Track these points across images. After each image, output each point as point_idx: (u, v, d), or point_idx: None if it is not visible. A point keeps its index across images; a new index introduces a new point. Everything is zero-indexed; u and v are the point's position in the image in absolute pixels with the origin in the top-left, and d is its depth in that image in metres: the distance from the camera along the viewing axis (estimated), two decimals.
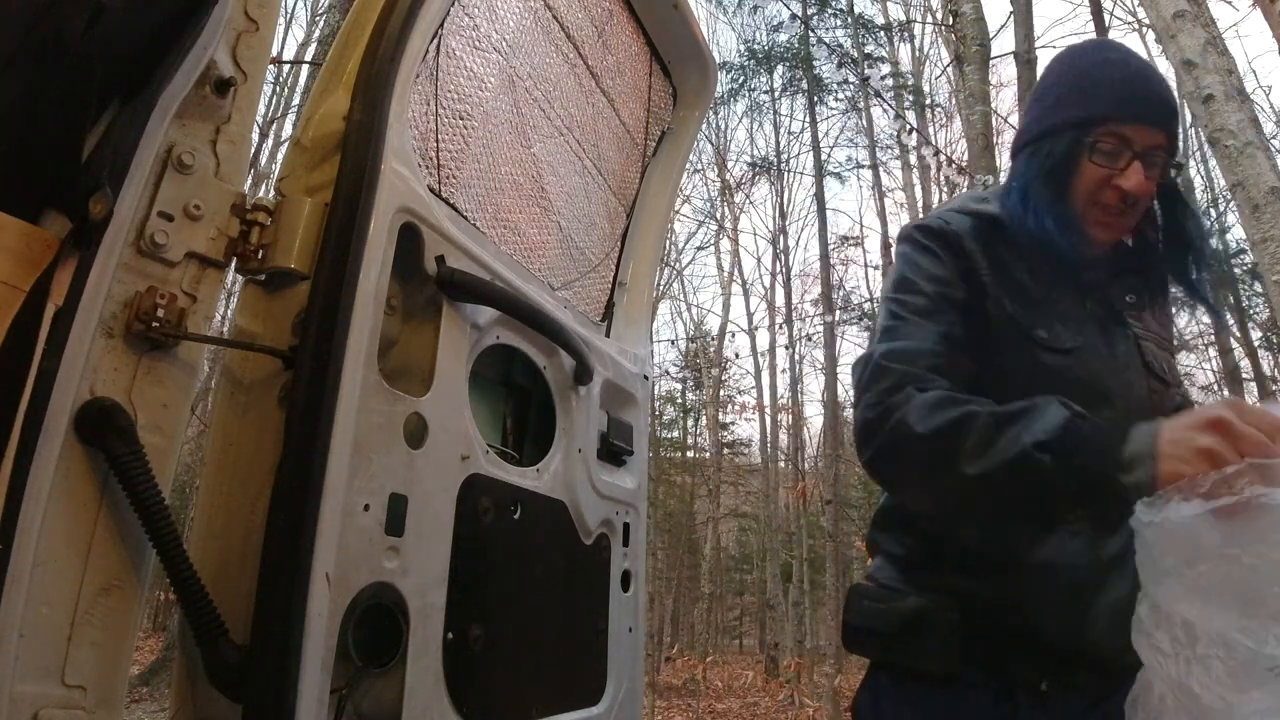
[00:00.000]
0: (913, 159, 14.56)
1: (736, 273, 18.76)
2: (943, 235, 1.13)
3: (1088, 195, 1.11)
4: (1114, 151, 1.09)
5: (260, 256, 0.96)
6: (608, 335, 1.75)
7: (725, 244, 19.01)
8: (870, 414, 0.99)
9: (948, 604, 1.06)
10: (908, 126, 11.94)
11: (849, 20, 13.98)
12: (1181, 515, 0.81)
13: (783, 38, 15.31)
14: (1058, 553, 1.03)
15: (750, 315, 18.45)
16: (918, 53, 16.13)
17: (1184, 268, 1.20)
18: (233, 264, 0.95)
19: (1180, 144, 1.15)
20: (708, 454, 18.20)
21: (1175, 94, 1.14)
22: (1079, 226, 1.12)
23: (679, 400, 18.80)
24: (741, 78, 15.60)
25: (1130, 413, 1.09)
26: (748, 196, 20.61)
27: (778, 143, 16.75)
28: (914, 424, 0.93)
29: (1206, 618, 0.81)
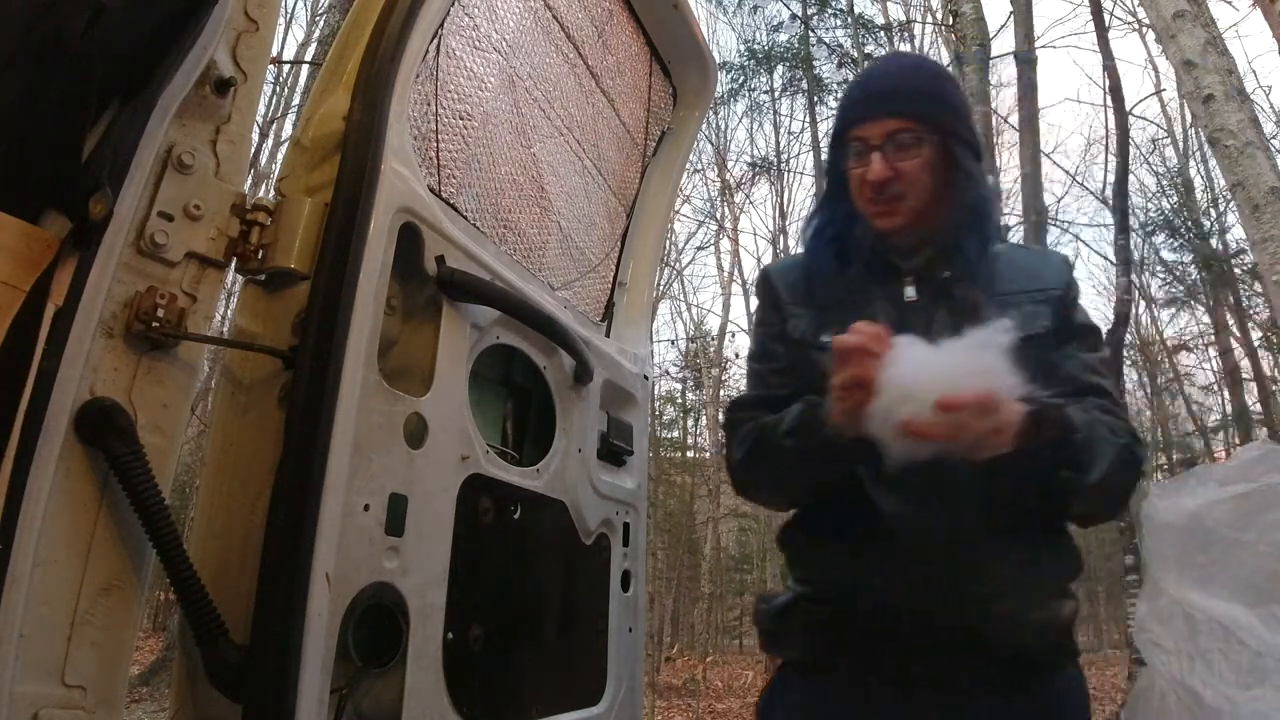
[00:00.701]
0: None
1: (736, 273, 18.76)
2: (760, 283, 1.34)
3: (856, 195, 1.23)
4: (859, 151, 1.20)
5: (260, 256, 0.96)
6: (608, 335, 1.75)
7: (725, 244, 19.00)
8: (724, 454, 1.26)
9: (805, 597, 1.18)
10: None
11: (849, 20, 13.97)
12: (1196, 501, 0.82)
13: (783, 38, 15.29)
14: (886, 548, 1.08)
15: (750, 315, 18.45)
16: (918, 53, 16.11)
17: (978, 225, 1.22)
18: (233, 264, 0.95)
19: (943, 117, 1.20)
20: (708, 454, 18.19)
21: (918, 79, 1.24)
22: (867, 225, 1.23)
23: (679, 400, 18.79)
24: (741, 78, 15.58)
25: None
26: (748, 196, 20.62)
27: (778, 143, 16.74)
28: (734, 454, 1.20)
29: (1213, 607, 0.81)
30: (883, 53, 14.86)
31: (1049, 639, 1.10)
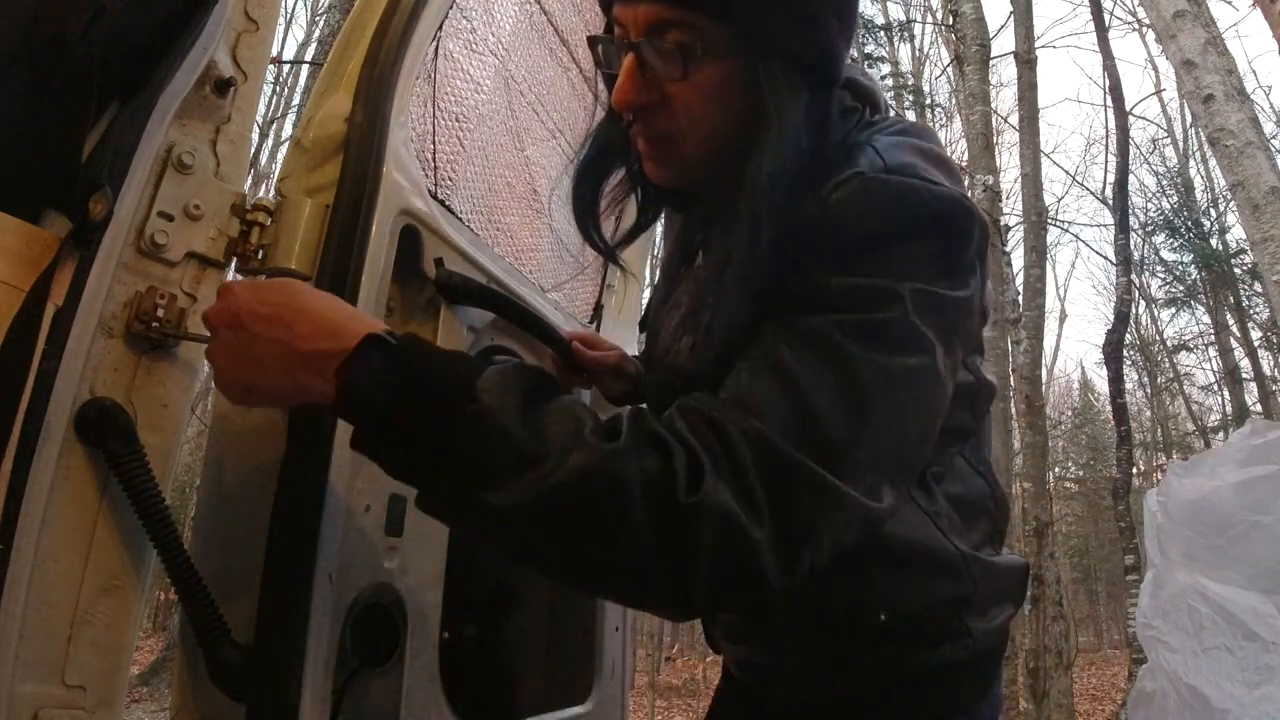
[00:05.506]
0: None
1: None
2: None
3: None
4: (618, 47, 0.74)
5: (260, 257, 0.96)
6: None
7: None
8: None
9: None
10: None
11: None
12: (1213, 482, 0.81)
13: None
14: None
15: None
16: (918, 53, 16.15)
17: (751, 174, 0.71)
18: (233, 264, 0.95)
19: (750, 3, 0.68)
20: None
21: None
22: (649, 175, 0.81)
23: None
24: None
25: (657, 367, 1.01)
26: None
27: None
28: None
29: (1224, 594, 0.80)
30: (884, 52, 14.88)
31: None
